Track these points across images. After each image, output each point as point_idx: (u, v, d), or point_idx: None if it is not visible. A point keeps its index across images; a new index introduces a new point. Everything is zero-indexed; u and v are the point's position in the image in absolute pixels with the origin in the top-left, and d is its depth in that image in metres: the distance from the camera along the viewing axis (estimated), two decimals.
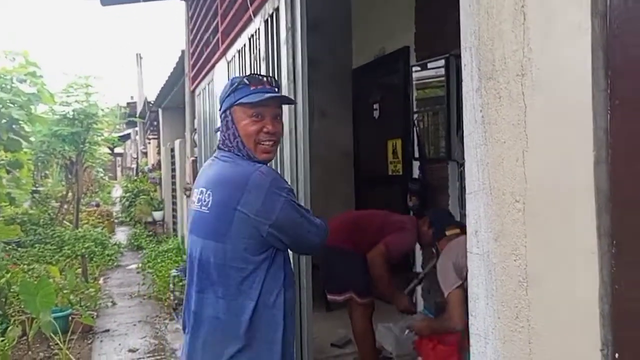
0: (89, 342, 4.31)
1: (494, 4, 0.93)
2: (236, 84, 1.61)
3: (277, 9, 2.45)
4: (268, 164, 1.65)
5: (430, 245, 3.07)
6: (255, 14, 2.80)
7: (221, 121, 1.66)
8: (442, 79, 3.57)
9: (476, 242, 1.04)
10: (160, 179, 10.51)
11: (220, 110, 1.67)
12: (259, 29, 2.77)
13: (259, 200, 1.47)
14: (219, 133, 1.70)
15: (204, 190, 1.59)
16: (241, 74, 3.21)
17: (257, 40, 2.81)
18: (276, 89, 1.65)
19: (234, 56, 3.39)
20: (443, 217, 2.81)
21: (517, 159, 0.91)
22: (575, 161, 0.80)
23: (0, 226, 4.46)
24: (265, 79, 1.63)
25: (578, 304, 0.82)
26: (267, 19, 2.60)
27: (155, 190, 10.88)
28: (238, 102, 1.58)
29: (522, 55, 0.87)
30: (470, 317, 1.07)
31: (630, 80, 0.72)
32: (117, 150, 18.85)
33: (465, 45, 1.00)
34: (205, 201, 1.57)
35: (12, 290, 4.44)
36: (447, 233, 2.55)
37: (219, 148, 1.68)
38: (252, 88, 1.58)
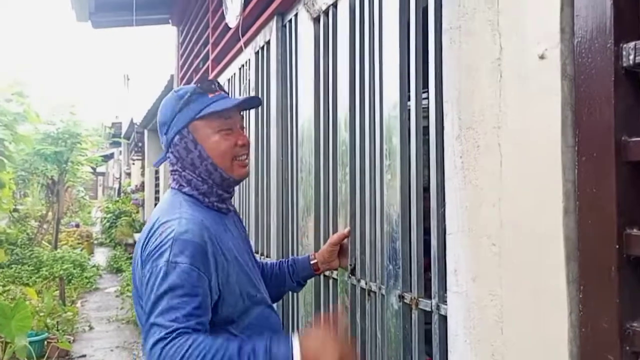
0: None
1: (473, 59, 1.00)
2: (188, 93, 1.27)
3: (268, 42, 2.53)
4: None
5: None
6: (246, 45, 2.87)
7: (171, 150, 1.29)
8: None
9: (455, 281, 1.08)
10: (143, 200, 10.44)
11: (165, 134, 1.30)
12: (249, 59, 2.85)
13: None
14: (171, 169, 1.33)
15: None
16: None
17: (248, 71, 2.88)
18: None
19: (224, 84, 3.45)
20: None
21: (494, 205, 0.96)
22: (546, 210, 0.86)
23: None
24: (217, 85, 1.32)
25: (549, 344, 0.86)
26: (258, 51, 2.67)
27: (137, 212, 10.79)
28: (201, 114, 1.25)
29: (498, 109, 0.93)
30: (449, 354, 1.12)
31: (596, 139, 0.79)
32: (99, 169, 18.70)
33: (447, 96, 1.07)
34: None
35: None
36: None
37: (172, 188, 1.32)
38: (210, 96, 1.27)
